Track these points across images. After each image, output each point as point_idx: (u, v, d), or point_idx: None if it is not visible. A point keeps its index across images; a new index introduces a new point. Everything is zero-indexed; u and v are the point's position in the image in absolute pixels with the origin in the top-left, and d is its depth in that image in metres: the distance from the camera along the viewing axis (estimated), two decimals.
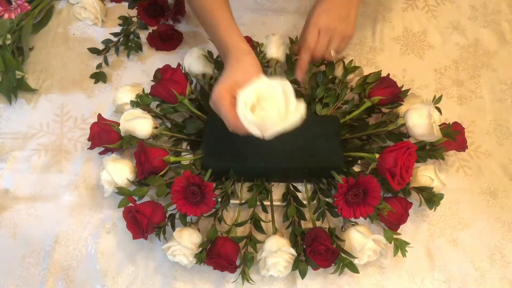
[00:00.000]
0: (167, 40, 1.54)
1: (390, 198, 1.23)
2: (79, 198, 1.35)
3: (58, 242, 1.30)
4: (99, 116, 1.31)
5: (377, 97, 1.30)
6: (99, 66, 1.54)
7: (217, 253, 1.15)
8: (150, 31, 1.58)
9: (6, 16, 1.54)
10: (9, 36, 1.48)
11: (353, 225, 1.21)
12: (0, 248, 1.30)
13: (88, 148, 1.32)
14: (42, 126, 1.45)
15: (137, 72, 1.54)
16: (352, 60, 1.38)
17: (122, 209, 1.19)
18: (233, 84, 1.08)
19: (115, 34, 1.58)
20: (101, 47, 1.57)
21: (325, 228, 1.22)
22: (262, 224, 1.24)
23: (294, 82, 1.36)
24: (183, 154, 1.34)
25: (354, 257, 1.18)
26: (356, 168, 1.32)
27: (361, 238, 1.18)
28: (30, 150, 1.42)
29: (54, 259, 1.28)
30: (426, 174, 1.25)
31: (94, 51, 1.55)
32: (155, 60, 1.56)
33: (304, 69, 1.30)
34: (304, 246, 1.18)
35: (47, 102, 1.49)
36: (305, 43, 1.27)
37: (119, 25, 1.61)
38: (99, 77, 1.52)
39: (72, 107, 1.48)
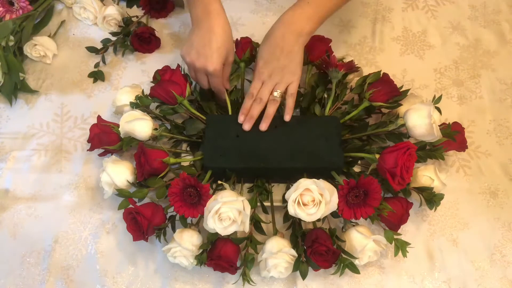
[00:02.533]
0: (145, 42, 1.54)
1: (391, 199, 1.23)
2: (79, 198, 1.35)
3: (58, 242, 1.30)
4: (99, 117, 1.31)
5: (377, 103, 1.30)
6: (97, 65, 1.54)
7: (218, 255, 1.15)
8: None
9: (7, 17, 1.54)
10: (12, 37, 1.48)
11: (353, 225, 1.21)
12: (0, 248, 1.30)
13: (87, 150, 1.32)
14: (42, 126, 1.45)
15: (137, 72, 1.54)
16: (352, 60, 1.38)
17: (122, 209, 1.19)
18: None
19: (114, 34, 1.58)
20: (100, 46, 1.57)
21: (326, 228, 1.21)
22: (263, 225, 1.23)
23: None
24: (183, 155, 1.33)
25: (354, 258, 1.18)
26: (356, 169, 1.32)
27: (362, 239, 1.18)
28: (30, 150, 1.42)
29: (54, 259, 1.28)
30: (426, 174, 1.25)
31: (92, 50, 1.55)
32: (155, 60, 1.56)
33: (247, 112, 1.28)
34: (305, 247, 1.18)
35: (47, 102, 1.49)
36: (249, 93, 1.29)
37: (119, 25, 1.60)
38: (97, 76, 1.52)
39: (72, 107, 1.48)
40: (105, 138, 1.27)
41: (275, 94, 1.26)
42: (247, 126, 1.25)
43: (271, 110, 1.26)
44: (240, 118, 1.26)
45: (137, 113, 1.26)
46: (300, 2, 1.26)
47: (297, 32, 1.23)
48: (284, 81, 1.27)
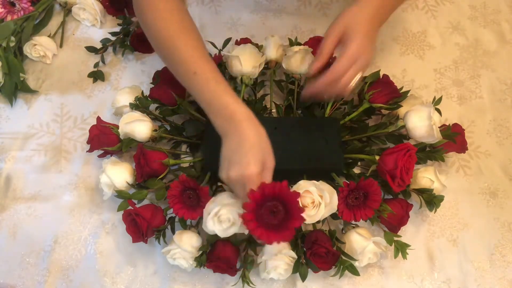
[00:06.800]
0: (145, 42, 1.53)
1: (391, 200, 1.24)
2: (79, 198, 1.35)
3: (57, 242, 1.30)
4: (98, 118, 1.31)
5: (377, 104, 1.30)
6: (96, 65, 1.54)
7: (217, 256, 1.15)
8: None
9: (8, 18, 1.54)
10: (12, 38, 1.48)
11: (353, 227, 1.21)
12: (0, 248, 1.30)
13: (87, 151, 1.32)
14: (42, 126, 1.45)
15: (137, 72, 1.54)
16: None
17: (122, 211, 1.20)
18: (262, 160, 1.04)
19: (113, 34, 1.57)
20: (100, 46, 1.56)
21: (326, 230, 1.21)
22: None
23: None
24: (182, 156, 1.33)
25: (354, 260, 1.18)
26: (356, 170, 1.32)
27: (362, 241, 1.18)
28: (30, 150, 1.42)
29: (54, 259, 1.28)
30: (426, 176, 1.25)
31: (91, 49, 1.55)
32: (155, 60, 1.55)
33: (316, 91, 1.18)
34: (305, 249, 1.18)
35: (47, 102, 1.49)
36: (334, 71, 1.13)
37: (118, 24, 1.60)
38: (97, 76, 1.52)
39: (72, 107, 1.48)
40: (104, 139, 1.27)
41: (356, 79, 1.16)
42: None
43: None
44: (307, 92, 1.20)
45: (137, 114, 1.26)
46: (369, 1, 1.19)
47: (379, 20, 1.21)
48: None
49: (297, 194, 0.98)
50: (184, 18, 1.18)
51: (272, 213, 0.99)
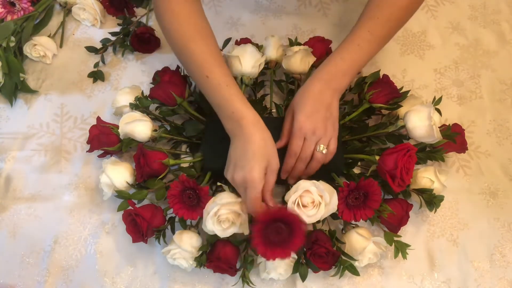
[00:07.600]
0: (145, 42, 1.53)
1: (391, 200, 1.23)
2: (79, 198, 1.35)
3: (57, 242, 1.30)
4: (98, 118, 1.31)
5: (377, 104, 1.30)
6: (96, 65, 1.54)
7: (217, 256, 1.15)
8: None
9: (8, 18, 1.54)
10: (12, 38, 1.48)
11: (353, 227, 1.21)
12: (0, 248, 1.30)
13: (87, 151, 1.32)
14: (42, 126, 1.45)
15: (136, 72, 1.54)
16: None
17: (122, 211, 1.20)
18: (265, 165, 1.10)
19: (113, 34, 1.57)
20: (100, 47, 1.56)
21: (326, 230, 1.21)
22: None
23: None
24: (182, 156, 1.33)
25: (354, 260, 1.18)
26: (356, 170, 1.32)
27: (362, 241, 1.17)
28: (30, 150, 1.42)
29: (54, 259, 1.28)
30: (426, 176, 1.24)
31: (91, 49, 1.55)
32: (155, 60, 1.55)
33: (289, 172, 1.23)
34: (305, 249, 1.18)
35: (47, 102, 1.49)
36: (290, 151, 1.19)
37: (118, 24, 1.60)
38: (97, 76, 1.52)
39: (72, 107, 1.48)
40: (104, 139, 1.27)
41: (321, 149, 1.18)
42: (292, 182, 1.24)
43: (315, 167, 1.21)
44: (283, 176, 1.23)
45: (137, 114, 1.26)
46: (334, 58, 1.22)
47: (333, 89, 1.20)
48: (327, 135, 1.19)
49: (304, 224, 1.04)
50: (201, 22, 1.22)
51: (277, 232, 1.03)
